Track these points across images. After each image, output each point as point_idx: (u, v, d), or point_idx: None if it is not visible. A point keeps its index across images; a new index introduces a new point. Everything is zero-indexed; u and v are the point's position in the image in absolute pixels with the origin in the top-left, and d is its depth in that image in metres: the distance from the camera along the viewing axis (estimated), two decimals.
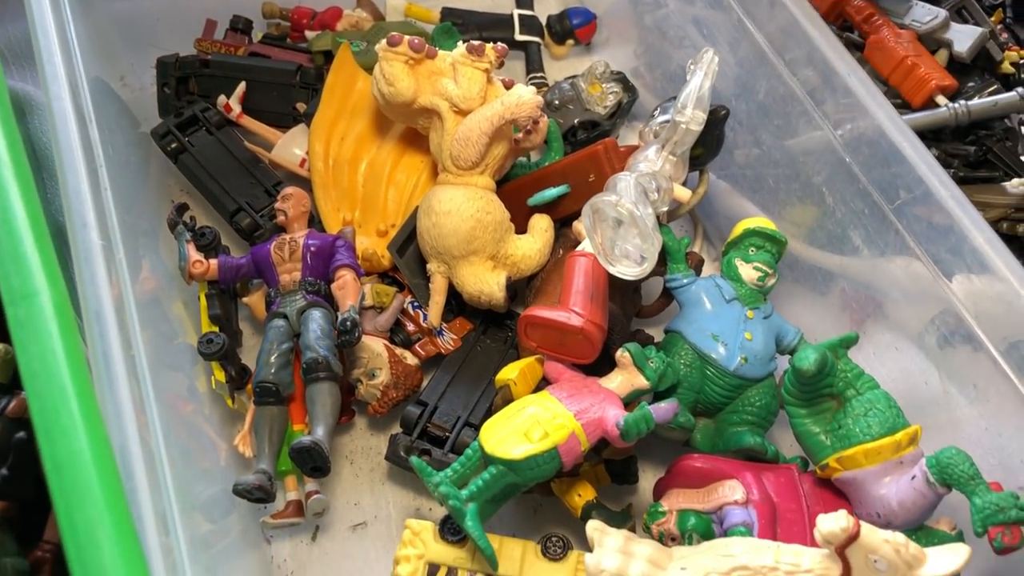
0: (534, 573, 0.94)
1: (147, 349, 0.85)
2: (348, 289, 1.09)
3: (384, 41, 1.13)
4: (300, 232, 1.14)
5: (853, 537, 0.77)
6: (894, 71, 1.38)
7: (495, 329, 1.21)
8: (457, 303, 1.21)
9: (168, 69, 1.36)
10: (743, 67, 1.20)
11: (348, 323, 1.04)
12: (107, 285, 0.79)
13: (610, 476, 1.08)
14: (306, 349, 1.05)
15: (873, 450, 0.93)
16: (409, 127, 1.25)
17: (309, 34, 1.45)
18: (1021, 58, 1.46)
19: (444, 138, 1.13)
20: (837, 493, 0.99)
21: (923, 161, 0.91)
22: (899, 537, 0.78)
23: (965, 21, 1.49)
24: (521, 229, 1.18)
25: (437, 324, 1.17)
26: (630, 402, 1.00)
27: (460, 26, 1.48)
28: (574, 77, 1.42)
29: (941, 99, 1.35)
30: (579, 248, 1.05)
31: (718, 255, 1.17)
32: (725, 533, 0.94)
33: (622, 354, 1.00)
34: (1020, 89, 1.34)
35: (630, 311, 1.17)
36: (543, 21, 1.56)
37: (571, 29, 1.54)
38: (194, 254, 1.11)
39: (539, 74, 1.49)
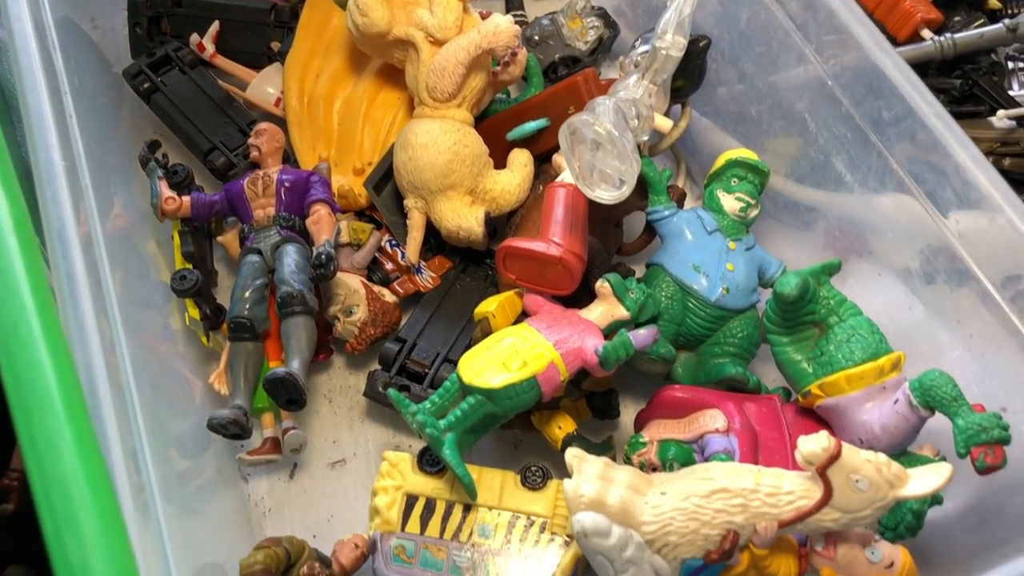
0: (513, 502, 0.93)
1: (117, 283, 0.83)
2: (323, 224, 1.07)
3: None
4: (274, 168, 1.12)
5: (834, 457, 0.76)
6: (879, 4, 1.36)
7: (475, 267, 1.19)
8: (436, 242, 1.19)
9: (140, 9, 1.33)
10: None
11: (323, 257, 1.02)
12: (69, 205, 0.77)
13: (591, 411, 1.07)
14: (281, 284, 1.03)
15: (856, 375, 0.92)
16: (385, 63, 1.22)
17: None
18: None
19: (420, 69, 1.11)
20: (819, 422, 0.98)
21: (906, 80, 0.90)
22: (881, 457, 0.77)
23: None
24: (501, 166, 1.16)
25: (415, 261, 1.15)
26: (610, 333, 0.98)
27: None
28: (554, 13, 1.39)
29: (926, 33, 1.33)
30: (558, 179, 1.03)
31: (701, 194, 1.15)
32: (706, 461, 0.93)
33: (602, 284, 0.98)
34: (1007, 21, 1.32)
35: (611, 246, 1.15)
36: None
37: None
38: (166, 191, 1.09)
39: (520, 11, 1.46)
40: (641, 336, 0.92)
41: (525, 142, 1.16)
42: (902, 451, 0.92)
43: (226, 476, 1.05)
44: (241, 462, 1.05)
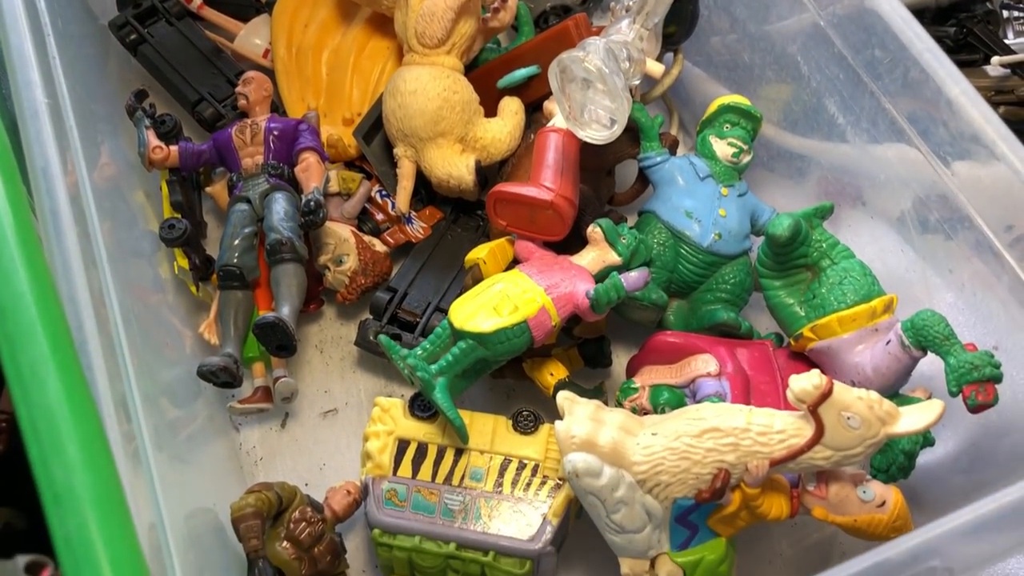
0: (505, 446, 0.93)
1: (105, 232, 0.82)
2: (312, 171, 1.06)
3: None
4: (262, 116, 1.11)
5: (826, 395, 0.76)
6: None
7: (466, 218, 1.18)
8: (427, 192, 1.18)
9: None
10: None
11: (312, 203, 1.02)
12: (53, 143, 0.76)
13: (583, 359, 1.06)
14: (270, 231, 1.02)
15: (848, 317, 0.92)
16: (374, 13, 1.21)
17: None
18: None
19: (409, 15, 1.09)
20: (811, 366, 0.97)
21: (899, 16, 0.88)
22: (872, 394, 0.77)
23: None
24: (491, 115, 1.15)
25: (405, 210, 1.14)
26: (601, 279, 0.98)
27: None
28: None
29: None
30: (549, 124, 1.02)
31: (693, 144, 1.14)
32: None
33: (593, 229, 0.98)
34: None
35: (603, 194, 1.14)
36: None
37: None
38: (154, 140, 1.08)
39: None
40: (632, 278, 0.91)
41: (516, 90, 1.15)
42: (894, 393, 0.91)
43: (217, 425, 1.05)
44: (232, 411, 1.05)
